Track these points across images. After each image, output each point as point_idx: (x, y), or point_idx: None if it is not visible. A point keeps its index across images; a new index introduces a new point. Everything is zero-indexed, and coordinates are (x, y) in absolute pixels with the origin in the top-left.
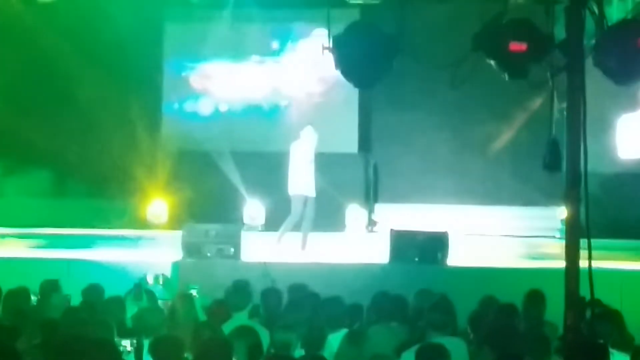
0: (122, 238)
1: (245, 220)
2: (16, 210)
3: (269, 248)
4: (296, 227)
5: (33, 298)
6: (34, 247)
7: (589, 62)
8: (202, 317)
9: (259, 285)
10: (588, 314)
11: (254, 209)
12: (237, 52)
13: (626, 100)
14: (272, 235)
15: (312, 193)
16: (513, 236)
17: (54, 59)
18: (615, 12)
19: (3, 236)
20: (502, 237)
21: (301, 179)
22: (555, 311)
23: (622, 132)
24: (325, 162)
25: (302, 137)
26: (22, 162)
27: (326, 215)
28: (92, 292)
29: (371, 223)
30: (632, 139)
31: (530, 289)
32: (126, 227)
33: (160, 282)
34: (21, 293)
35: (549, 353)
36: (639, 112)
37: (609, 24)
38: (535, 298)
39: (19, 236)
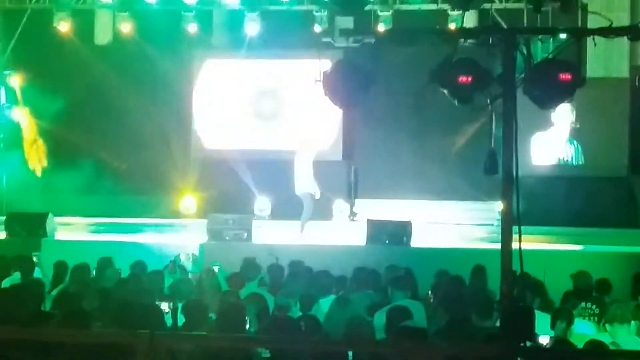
0: (161, 225)
1: (255, 212)
2: (81, 204)
3: (278, 233)
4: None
5: (93, 272)
6: (94, 232)
7: (519, 91)
8: (224, 286)
9: (266, 261)
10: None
11: (262, 202)
12: (247, 83)
13: (540, 122)
14: (277, 223)
15: (312, 190)
16: (461, 224)
17: (109, 89)
18: (539, 52)
19: (72, 224)
20: (453, 225)
21: (304, 181)
22: (494, 282)
23: (535, 145)
24: (317, 168)
25: (303, 147)
26: (88, 169)
27: (318, 208)
28: (138, 267)
29: (352, 214)
30: (542, 150)
31: (475, 264)
32: (164, 216)
33: (191, 260)
34: (83, 267)
35: (491, 313)
36: (549, 130)
37: (535, 61)
38: (479, 272)
39: (84, 225)
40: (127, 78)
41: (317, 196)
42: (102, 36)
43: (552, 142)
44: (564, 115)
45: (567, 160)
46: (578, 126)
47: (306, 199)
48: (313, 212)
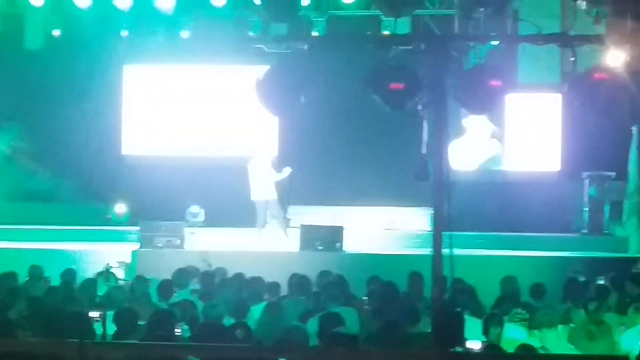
0: (92, 232)
1: (187, 218)
2: (9, 211)
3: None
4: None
5: (21, 280)
6: (22, 240)
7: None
8: (154, 294)
9: (200, 268)
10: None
11: (195, 209)
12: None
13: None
14: (209, 231)
15: (270, 196)
16: (394, 230)
17: (39, 94)
18: (471, 59)
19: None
20: (386, 230)
21: (259, 187)
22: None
23: (459, 151)
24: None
25: (257, 155)
26: (15, 175)
27: (253, 214)
28: (68, 275)
29: (286, 220)
30: (465, 156)
31: (412, 270)
32: (95, 224)
33: (123, 267)
34: (11, 275)
35: (419, 318)
36: (463, 137)
37: (467, 67)
38: (416, 278)
39: (11, 231)
40: (57, 83)
41: (272, 198)
42: (32, 41)
43: (478, 147)
44: (484, 120)
45: (496, 166)
46: (508, 131)
47: (272, 205)
48: (282, 218)
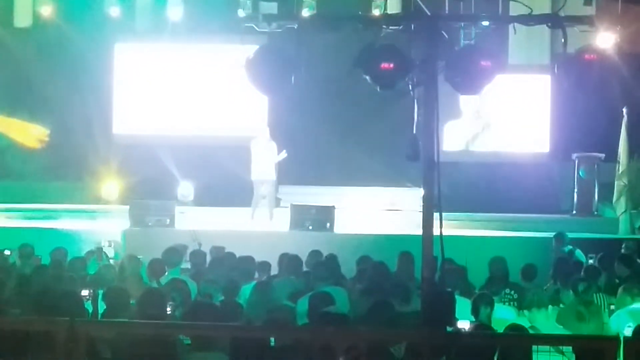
0: (82, 211)
1: (178, 197)
2: (2, 190)
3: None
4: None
5: (13, 259)
6: (13, 219)
7: (440, 78)
8: (144, 273)
9: (189, 247)
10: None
11: (185, 188)
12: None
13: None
14: (200, 209)
15: (269, 177)
16: (385, 210)
17: (29, 73)
18: (462, 40)
19: None
20: (377, 211)
21: (261, 167)
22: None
23: (451, 132)
24: (245, 153)
25: (260, 135)
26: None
27: (244, 193)
28: (58, 254)
29: (276, 200)
30: (458, 137)
31: (402, 251)
32: (85, 203)
33: (112, 246)
34: (1, 253)
35: (410, 298)
36: (463, 117)
37: (457, 48)
38: (406, 258)
39: (4, 210)
40: (47, 61)
41: (270, 178)
42: (22, 19)
43: (468, 128)
44: (477, 101)
45: (487, 147)
46: (498, 112)
47: (256, 186)
48: (274, 199)
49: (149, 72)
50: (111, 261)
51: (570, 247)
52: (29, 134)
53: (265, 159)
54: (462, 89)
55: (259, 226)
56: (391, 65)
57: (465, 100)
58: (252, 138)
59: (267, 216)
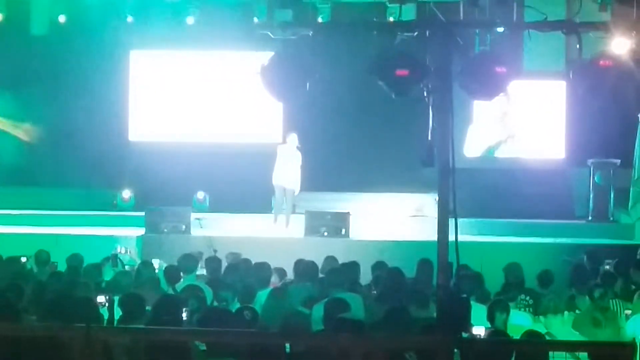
0: (98, 218)
1: (194, 204)
2: (16, 196)
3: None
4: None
5: (29, 265)
6: (29, 225)
7: (456, 84)
8: (161, 279)
9: (204, 253)
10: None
11: (201, 194)
12: (185, 74)
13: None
14: (215, 216)
15: (290, 186)
16: (401, 216)
17: (45, 80)
18: (477, 46)
19: (9, 216)
20: (393, 217)
21: (284, 174)
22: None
23: (469, 137)
24: (259, 159)
25: (287, 141)
26: (23, 160)
27: (259, 200)
28: (74, 260)
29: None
30: (475, 142)
31: (422, 258)
32: (101, 209)
33: (129, 252)
34: (17, 260)
35: (428, 303)
36: (480, 122)
37: (472, 54)
38: (426, 265)
39: (18, 216)
40: (63, 69)
41: (297, 192)
42: (38, 27)
43: (484, 134)
44: (495, 107)
45: (502, 153)
46: (514, 118)
47: (277, 191)
48: (292, 208)
49: (164, 79)
50: (127, 267)
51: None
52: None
53: (288, 166)
54: (476, 95)
55: (275, 232)
56: (406, 71)
57: (487, 106)
58: (278, 144)
59: (284, 223)
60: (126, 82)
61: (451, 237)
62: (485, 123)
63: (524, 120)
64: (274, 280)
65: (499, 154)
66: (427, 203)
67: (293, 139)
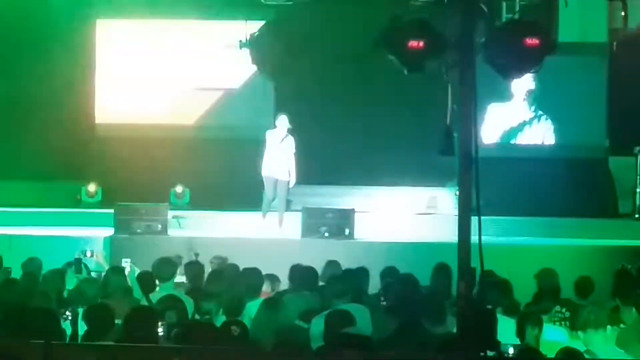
0: (60, 215)
1: (171, 200)
2: None
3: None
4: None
5: None
6: None
7: (479, 59)
8: (134, 288)
9: (184, 257)
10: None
11: (179, 188)
12: (161, 48)
13: (496, 94)
14: (196, 214)
15: (282, 177)
16: (414, 214)
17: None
18: (504, 13)
19: None
20: (404, 214)
21: (274, 163)
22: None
23: (492, 121)
24: (247, 148)
25: (277, 124)
26: None
27: (246, 195)
28: (32, 265)
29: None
30: (496, 126)
31: (438, 262)
32: (63, 206)
33: (95, 256)
34: None
35: (444, 317)
36: (507, 104)
37: (498, 24)
38: (443, 271)
39: None
40: (20, 40)
41: (292, 184)
42: None
43: (512, 117)
44: (526, 86)
45: (533, 139)
46: (546, 99)
47: (266, 183)
48: (285, 203)
49: (136, 53)
50: (93, 274)
51: None
52: None
53: (280, 154)
54: (504, 71)
55: (267, 233)
56: (421, 43)
57: (505, 84)
58: (267, 129)
59: (276, 222)
60: (92, 56)
61: (473, 238)
62: (507, 104)
63: (557, 100)
64: (266, 289)
65: (525, 140)
66: (443, 198)
67: (283, 121)
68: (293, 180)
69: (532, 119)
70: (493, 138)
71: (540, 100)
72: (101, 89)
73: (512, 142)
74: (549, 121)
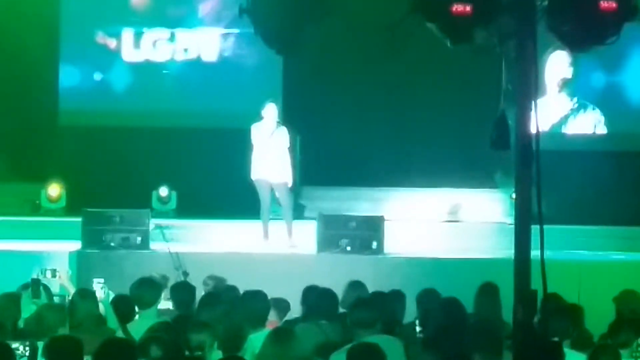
0: (14, 225)
1: (154, 205)
2: None
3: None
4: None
5: None
6: None
7: (541, 26)
8: (108, 315)
9: (170, 278)
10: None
11: (164, 191)
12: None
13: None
14: (185, 223)
15: (277, 178)
16: (458, 222)
17: None
18: None
19: None
20: (445, 223)
21: (264, 163)
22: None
23: (546, 107)
24: (244, 139)
25: (264, 115)
26: None
27: (245, 200)
28: None
29: (297, 208)
30: (556, 115)
31: (483, 282)
32: (17, 213)
33: (58, 276)
34: None
35: (500, 352)
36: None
37: None
38: (489, 293)
39: None
40: None
41: (278, 180)
42: None
43: (565, 103)
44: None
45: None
46: (610, 80)
47: (258, 188)
48: (291, 211)
49: (110, 20)
50: (55, 299)
51: None
52: None
53: (270, 151)
54: (572, 42)
55: (274, 247)
56: (468, 7)
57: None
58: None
59: (285, 233)
60: (55, 24)
61: (534, 253)
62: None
63: (626, 82)
64: (273, 317)
65: (575, 128)
66: (470, 203)
67: (271, 111)
68: (290, 181)
69: (575, 110)
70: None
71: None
72: (66, 66)
73: (562, 131)
74: (598, 110)
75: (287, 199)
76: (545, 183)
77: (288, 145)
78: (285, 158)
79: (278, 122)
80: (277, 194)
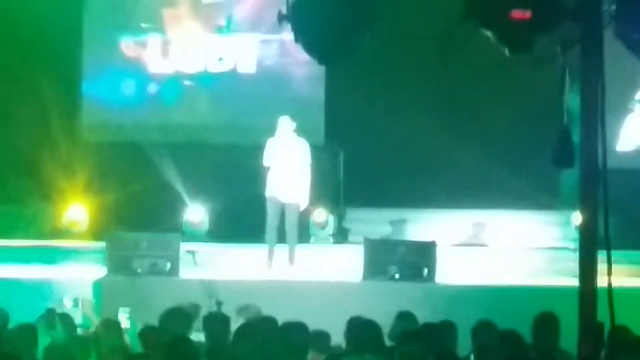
0: (32, 251)
1: (184, 228)
2: None
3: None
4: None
5: None
6: None
7: (608, 34)
8: (135, 348)
9: (202, 307)
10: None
11: (195, 213)
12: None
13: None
14: (218, 248)
15: (290, 198)
16: (516, 248)
17: None
18: None
19: None
20: (503, 248)
21: (282, 180)
22: (570, 339)
23: (631, 119)
24: None
25: (280, 130)
26: None
27: (283, 223)
28: None
29: (341, 232)
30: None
31: (541, 311)
32: (37, 237)
33: (80, 306)
34: None
35: None
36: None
37: None
38: (547, 324)
39: None
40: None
41: (290, 201)
42: None
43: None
44: None
45: None
46: None
47: (267, 206)
48: (295, 235)
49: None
50: (79, 330)
51: None
52: None
53: (287, 168)
54: None
55: (315, 274)
56: (528, 13)
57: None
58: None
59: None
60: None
61: (601, 282)
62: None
63: None
64: (314, 351)
65: None
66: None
67: (286, 124)
68: (305, 202)
69: None
70: (625, 144)
71: None
72: (89, 75)
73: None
74: None
75: (294, 221)
76: (616, 204)
77: (309, 161)
78: (303, 176)
79: (293, 135)
80: (285, 214)
